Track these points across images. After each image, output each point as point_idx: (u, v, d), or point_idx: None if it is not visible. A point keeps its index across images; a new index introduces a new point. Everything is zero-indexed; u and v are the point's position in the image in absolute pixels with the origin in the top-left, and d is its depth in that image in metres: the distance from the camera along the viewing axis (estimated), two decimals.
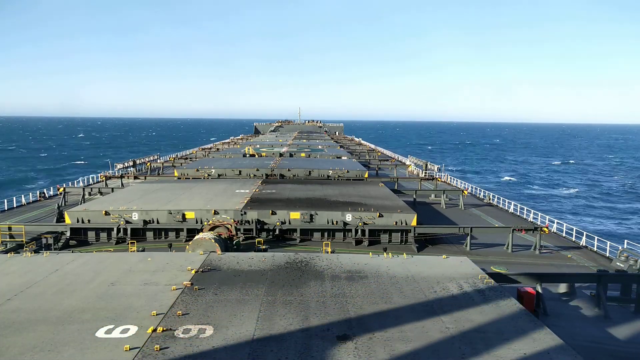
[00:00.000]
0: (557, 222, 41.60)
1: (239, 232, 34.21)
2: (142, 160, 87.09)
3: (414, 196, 50.84)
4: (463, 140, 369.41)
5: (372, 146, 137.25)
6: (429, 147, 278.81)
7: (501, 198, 53.96)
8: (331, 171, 58.96)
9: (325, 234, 35.64)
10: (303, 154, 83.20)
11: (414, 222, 35.27)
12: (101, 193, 49.26)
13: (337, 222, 35.32)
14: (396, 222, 35.23)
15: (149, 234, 35.49)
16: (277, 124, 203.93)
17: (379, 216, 35.27)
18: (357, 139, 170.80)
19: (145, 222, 35.22)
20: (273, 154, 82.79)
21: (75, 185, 60.18)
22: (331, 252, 27.16)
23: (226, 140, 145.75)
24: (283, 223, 35.31)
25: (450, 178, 71.63)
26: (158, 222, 35.40)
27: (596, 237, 36.22)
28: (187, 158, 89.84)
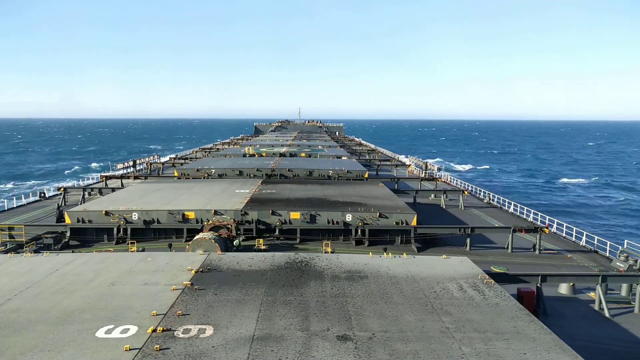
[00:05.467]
0: (557, 222, 41.61)
1: (239, 232, 34.22)
2: (142, 161, 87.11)
3: (414, 196, 50.88)
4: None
5: (373, 146, 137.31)
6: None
7: (501, 198, 53.97)
8: (331, 171, 58.95)
9: (326, 234, 35.65)
10: (303, 154, 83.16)
11: (414, 222, 35.27)
12: (101, 193, 49.27)
13: (337, 222, 35.33)
14: (396, 222, 35.23)
15: (149, 234, 35.50)
16: (277, 124, 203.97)
17: (379, 216, 35.27)
18: (357, 139, 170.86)
19: (146, 222, 35.23)
20: (273, 154, 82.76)
21: (75, 185, 60.22)
22: (331, 252, 27.17)
23: (226, 140, 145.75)
24: (283, 223, 35.31)
25: (450, 178, 71.66)
26: (158, 222, 35.41)
27: (596, 237, 36.22)
28: (187, 158, 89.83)
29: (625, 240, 35.33)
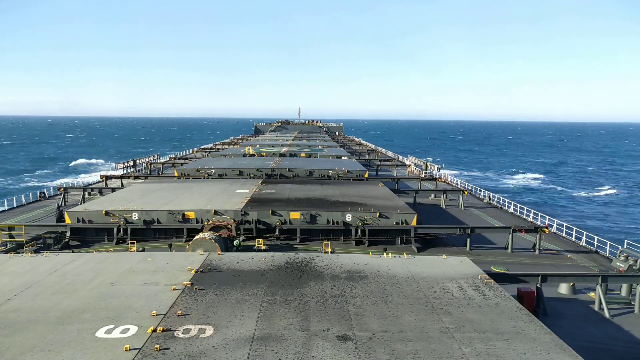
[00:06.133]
0: (557, 222, 41.60)
1: (239, 232, 34.22)
2: (142, 160, 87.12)
3: (414, 196, 50.89)
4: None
5: (373, 146, 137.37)
6: None
7: (501, 198, 53.96)
8: (331, 171, 58.97)
9: (326, 234, 35.63)
10: (303, 154, 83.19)
11: (414, 222, 35.27)
12: (101, 193, 49.28)
13: (337, 222, 35.32)
14: (396, 222, 35.22)
15: (149, 234, 35.49)
16: (277, 124, 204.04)
17: (379, 216, 35.26)
18: (357, 139, 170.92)
19: (146, 222, 35.22)
20: (273, 154, 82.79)
21: (75, 185, 60.22)
22: (331, 252, 27.17)
23: (226, 140, 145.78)
24: (283, 223, 35.30)
25: (450, 178, 71.66)
26: (158, 222, 35.40)
27: (596, 237, 36.21)
28: (187, 158, 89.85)
29: (625, 240, 35.27)
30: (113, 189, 49.15)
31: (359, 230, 35.03)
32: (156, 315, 16.31)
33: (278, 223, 35.19)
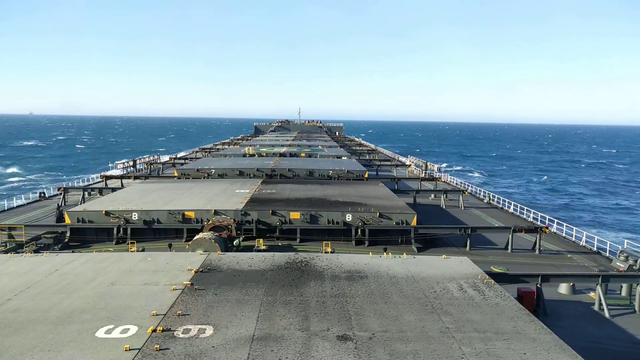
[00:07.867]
0: (557, 222, 41.59)
1: (239, 232, 34.21)
2: (142, 160, 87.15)
3: (414, 196, 50.89)
4: None
5: (373, 146, 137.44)
6: None
7: (501, 198, 53.95)
8: (331, 171, 58.94)
9: (326, 234, 35.61)
10: (303, 154, 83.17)
11: (414, 222, 35.27)
12: (101, 193, 49.26)
13: (337, 222, 35.32)
14: (396, 222, 35.22)
15: (149, 234, 35.48)
16: (277, 124, 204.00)
17: (380, 216, 35.26)
18: (357, 139, 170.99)
19: (146, 222, 35.22)
20: (273, 154, 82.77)
21: (75, 185, 60.21)
22: (331, 252, 27.18)
23: (226, 140, 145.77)
24: (283, 223, 35.30)
25: (450, 178, 71.65)
26: (158, 222, 35.39)
27: (596, 237, 36.21)
28: (187, 158, 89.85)
29: (625, 240, 35.31)
30: (113, 189, 49.11)
31: (359, 230, 35.02)
32: (156, 315, 16.31)
33: (278, 223, 35.19)
